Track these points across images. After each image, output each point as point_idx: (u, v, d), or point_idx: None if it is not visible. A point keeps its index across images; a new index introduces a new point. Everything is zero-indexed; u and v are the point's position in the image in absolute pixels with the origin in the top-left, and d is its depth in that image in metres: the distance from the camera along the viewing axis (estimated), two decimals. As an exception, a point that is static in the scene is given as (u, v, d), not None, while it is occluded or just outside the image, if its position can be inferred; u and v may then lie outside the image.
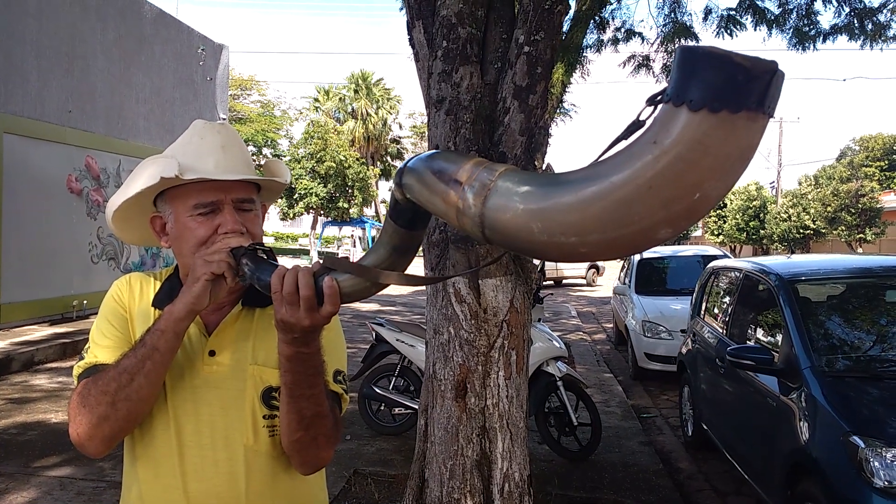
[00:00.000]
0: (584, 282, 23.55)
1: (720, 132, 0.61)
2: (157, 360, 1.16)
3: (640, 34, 6.84)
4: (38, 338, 8.46)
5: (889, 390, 3.29)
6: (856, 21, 5.78)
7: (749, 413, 4.18)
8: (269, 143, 33.29)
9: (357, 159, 33.24)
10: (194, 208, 1.25)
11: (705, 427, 5.15)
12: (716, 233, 37.23)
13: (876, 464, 2.78)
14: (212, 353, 1.28)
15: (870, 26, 5.75)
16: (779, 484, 3.48)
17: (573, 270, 22.89)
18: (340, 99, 43.20)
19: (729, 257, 9.60)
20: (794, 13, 6.01)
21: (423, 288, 3.69)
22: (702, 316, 5.84)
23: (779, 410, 3.61)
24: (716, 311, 5.59)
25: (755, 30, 6.10)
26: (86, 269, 10.34)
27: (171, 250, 1.32)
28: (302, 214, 33.16)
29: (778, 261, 5.25)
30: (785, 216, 30.15)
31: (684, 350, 6.05)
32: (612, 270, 19.67)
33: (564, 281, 23.40)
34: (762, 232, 33.09)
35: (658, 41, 6.48)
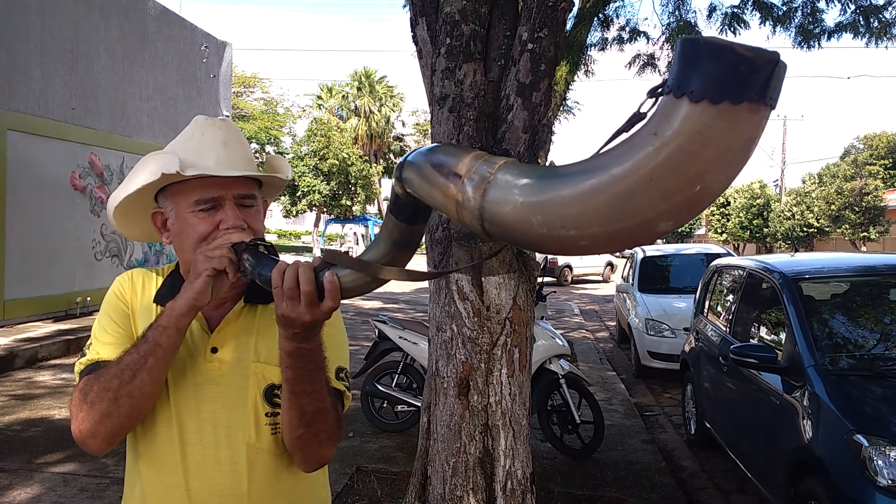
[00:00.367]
0: (600, 278, 23.72)
1: (721, 123, 0.61)
2: (159, 357, 1.16)
3: (644, 33, 6.82)
4: (42, 334, 8.48)
5: (893, 389, 3.28)
6: (861, 19, 5.75)
7: (752, 411, 4.17)
8: (272, 140, 33.31)
9: (360, 157, 33.27)
10: (195, 204, 1.25)
11: (708, 425, 5.14)
12: (719, 231, 37.18)
13: (879, 462, 2.77)
14: (214, 350, 1.27)
15: (875, 24, 5.72)
16: (782, 482, 3.47)
17: (588, 268, 23.11)
18: (343, 96, 43.17)
19: (732, 255, 9.58)
20: (800, 11, 5.98)
21: (427, 285, 3.69)
22: (705, 314, 5.83)
23: (782, 409, 3.60)
24: (719, 309, 5.57)
25: (760, 27, 6.08)
26: (89, 266, 10.36)
27: (173, 246, 1.32)
28: (305, 212, 33.22)
29: (781, 259, 5.24)
30: (788, 214, 30.08)
31: (687, 348, 6.04)
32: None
33: (581, 278, 23.57)
34: (766, 230, 33.03)
35: (663, 39, 6.46)
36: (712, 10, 6.30)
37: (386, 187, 43.02)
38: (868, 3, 5.79)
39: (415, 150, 0.97)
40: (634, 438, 5.50)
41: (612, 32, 6.70)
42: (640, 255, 10.05)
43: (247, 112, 32.41)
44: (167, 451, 1.25)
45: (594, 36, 6.43)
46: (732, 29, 6.14)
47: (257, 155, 25.39)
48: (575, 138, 23.59)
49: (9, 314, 8.92)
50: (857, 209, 26.74)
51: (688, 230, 45.65)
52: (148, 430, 1.26)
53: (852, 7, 5.82)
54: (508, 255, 2.92)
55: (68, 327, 9.07)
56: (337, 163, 30.39)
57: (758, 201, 34.58)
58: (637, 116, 0.69)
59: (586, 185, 0.67)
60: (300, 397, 1.17)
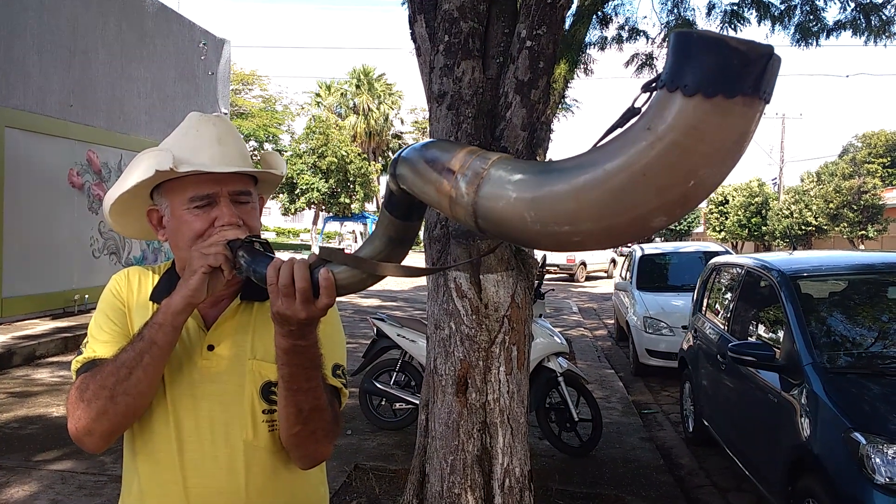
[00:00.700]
0: (605, 274, 23.97)
1: (715, 118, 0.60)
2: (155, 354, 1.16)
3: (643, 32, 6.82)
4: (40, 332, 8.47)
5: (891, 387, 3.28)
6: (861, 17, 5.75)
7: (750, 409, 4.17)
8: (270, 138, 33.30)
9: (358, 154, 33.24)
10: (190, 201, 1.24)
11: (706, 423, 5.14)
12: (717, 229, 37.20)
13: (877, 460, 2.77)
14: (210, 348, 1.27)
15: (875, 21, 5.72)
16: (780, 480, 3.47)
17: (594, 265, 23.24)
18: (342, 94, 43.16)
19: (731, 254, 9.59)
20: (799, 9, 5.98)
21: (424, 283, 3.68)
22: (703, 312, 5.83)
23: (780, 407, 3.60)
24: (717, 307, 5.57)
25: (759, 25, 6.08)
26: (87, 264, 10.35)
27: (169, 243, 1.31)
28: (303, 210, 33.19)
29: (780, 257, 5.23)
30: (787, 213, 30.09)
31: (685, 346, 6.04)
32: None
33: (590, 274, 23.67)
34: (764, 228, 33.05)
35: (661, 37, 6.46)
36: (711, 7, 6.30)
37: (384, 185, 43.05)
38: (868, 1, 5.79)
39: (409, 145, 0.97)
40: (632, 436, 5.51)
41: (611, 31, 6.70)
42: (638, 254, 10.04)
43: (245, 109, 32.40)
44: (164, 448, 1.25)
45: (593, 35, 6.43)
46: (732, 26, 6.14)
47: (256, 153, 25.37)
48: (574, 136, 23.71)
49: (7, 311, 8.92)
50: (855, 207, 26.78)
51: (686, 228, 45.72)
52: (145, 428, 1.26)
53: (852, 5, 5.81)
54: (507, 252, 2.92)
55: (66, 325, 9.06)
56: (335, 160, 30.37)
57: (756, 199, 34.60)
58: (632, 111, 0.68)
59: (579, 181, 0.66)
60: (296, 394, 1.17)
